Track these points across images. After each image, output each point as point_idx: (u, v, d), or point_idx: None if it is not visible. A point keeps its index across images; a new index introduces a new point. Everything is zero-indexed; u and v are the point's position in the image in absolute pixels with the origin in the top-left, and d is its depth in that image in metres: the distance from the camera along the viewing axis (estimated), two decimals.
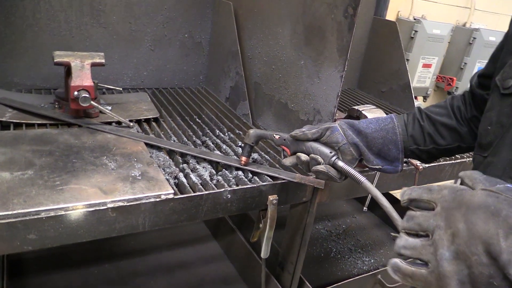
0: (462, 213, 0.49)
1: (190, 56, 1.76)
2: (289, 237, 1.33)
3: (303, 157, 0.98)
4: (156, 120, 1.40)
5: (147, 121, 1.38)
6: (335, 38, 1.12)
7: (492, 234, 0.45)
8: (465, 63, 2.63)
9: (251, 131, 1.09)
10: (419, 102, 2.44)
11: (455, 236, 0.49)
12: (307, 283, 1.35)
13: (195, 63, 1.79)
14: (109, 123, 1.29)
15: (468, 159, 1.52)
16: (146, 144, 1.19)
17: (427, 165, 1.40)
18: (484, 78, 0.94)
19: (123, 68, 1.64)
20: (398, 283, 1.58)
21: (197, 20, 1.71)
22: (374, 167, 0.98)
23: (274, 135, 1.04)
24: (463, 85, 2.67)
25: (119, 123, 1.30)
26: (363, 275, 1.52)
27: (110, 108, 1.38)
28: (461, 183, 0.57)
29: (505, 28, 0.91)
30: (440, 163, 1.46)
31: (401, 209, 1.70)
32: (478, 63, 2.65)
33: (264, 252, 1.19)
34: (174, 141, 1.27)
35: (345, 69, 1.09)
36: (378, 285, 1.56)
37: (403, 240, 0.55)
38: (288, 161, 1.03)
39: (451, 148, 0.99)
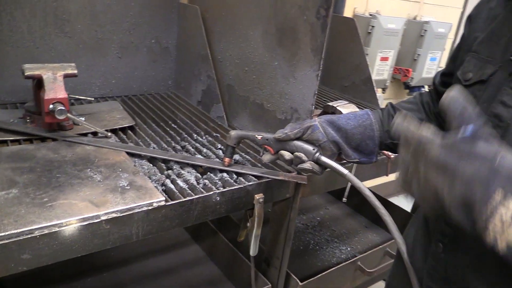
0: (422, 164, 0.61)
1: (158, 62, 1.75)
2: (273, 233, 1.37)
3: (287, 155, 1.02)
4: (131, 128, 1.39)
5: (123, 130, 1.37)
6: (308, 38, 1.16)
7: (440, 186, 0.58)
8: (419, 54, 2.76)
9: (233, 133, 1.11)
10: (379, 94, 2.54)
11: (418, 180, 0.63)
12: (293, 276, 1.40)
13: (163, 68, 1.78)
14: (85, 135, 1.27)
15: None
16: (128, 153, 1.18)
17: (397, 155, 1.48)
18: (446, 77, 1.04)
19: (90, 78, 1.61)
20: (377, 267, 1.66)
21: (163, 25, 1.71)
22: (352, 160, 1.04)
23: (256, 136, 1.07)
24: (417, 75, 2.81)
25: (95, 133, 1.29)
26: (344, 263, 1.58)
27: (83, 119, 1.35)
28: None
29: (452, 20, 1.01)
30: None
31: (382, 199, 1.78)
32: (430, 53, 2.79)
33: (253, 250, 1.21)
34: (153, 148, 1.27)
35: (321, 68, 1.14)
36: (359, 271, 1.63)
37: None
38: (267, 158, 1.07)
39: None
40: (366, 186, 0.92)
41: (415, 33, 2.74)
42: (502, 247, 0.54)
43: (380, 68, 2.54)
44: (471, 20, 0.97)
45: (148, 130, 1.39)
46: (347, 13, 2.43)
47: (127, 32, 1.63)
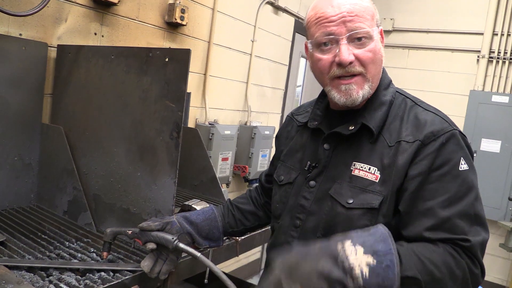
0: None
1: (20, 178, 1.86)
2: None
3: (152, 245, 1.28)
4: (2, 243, 1.47)
5: None
6: (165, 154, 1.49)
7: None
8: (252, 153, 3.34)
9: (108, 230, 1.34)
10: (224, 189, 2.96)
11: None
12: None
13: (25, 183, 1.88)
14: None
15: (267, 228, 2.03)
16: (6, 266, 1.28)
17: (243, 237, 1.84)
18: (269, 177, 1.46)
19: None
20: None
21: (26, 144, 1.85)
22: (203, 247, 1.36)
23: (127, 231, 1.32)
24: (253, 170, 3.36)
25: None
26: None
27: None
28: None
29: (274, 123, 1.48)
30: (252, 234, 1.92)
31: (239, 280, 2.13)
32: (261, 151, 3.39)
33: None
34: (29, 259, 1.38)
35: (177, 176, 1.46)
36: None
37: None
38: (149, 246, 1.30)
39: (254, 227, 1.47)
40: (219, 266, 1.23)
41: (247, 136, 3.34)
42: (365, 272, 0.80)
43: (223, 167, 3.00)
44: (278, 138, 1.44)
45: (19, 243, 1.48)
46: (190, 123, 2.88)
47: None
